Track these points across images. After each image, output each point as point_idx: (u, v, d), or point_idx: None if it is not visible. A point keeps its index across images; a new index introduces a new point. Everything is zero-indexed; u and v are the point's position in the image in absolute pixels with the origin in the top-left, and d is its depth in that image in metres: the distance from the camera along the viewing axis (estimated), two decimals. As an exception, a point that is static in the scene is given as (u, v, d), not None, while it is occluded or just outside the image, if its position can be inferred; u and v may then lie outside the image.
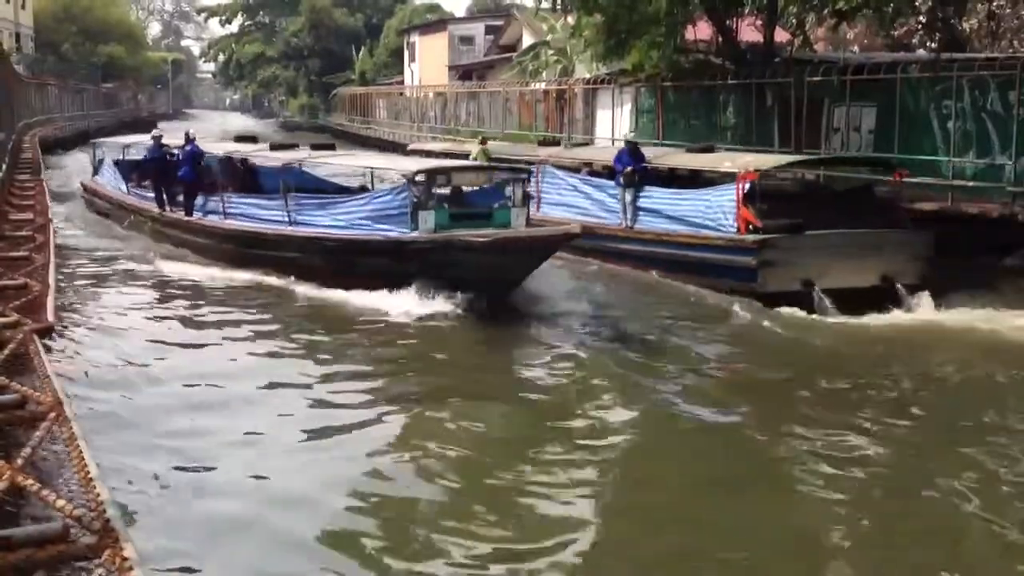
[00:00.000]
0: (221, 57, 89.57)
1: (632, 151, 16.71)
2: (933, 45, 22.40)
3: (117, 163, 22.55)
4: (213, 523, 6.95)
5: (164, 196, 18.49)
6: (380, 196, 14.45)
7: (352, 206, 14.78)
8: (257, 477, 7.89)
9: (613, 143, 25.68)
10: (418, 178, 13.58)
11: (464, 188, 15.48)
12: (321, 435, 8.91)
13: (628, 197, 16.22)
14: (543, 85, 33.53)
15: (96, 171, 24.03)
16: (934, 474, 8.08)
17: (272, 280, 14.97)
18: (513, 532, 6.99)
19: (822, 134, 19.81)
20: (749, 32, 23.25)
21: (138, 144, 21.69)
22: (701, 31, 23.86)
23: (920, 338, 12.60)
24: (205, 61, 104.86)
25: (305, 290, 14.40)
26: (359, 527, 7.14)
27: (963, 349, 12.13)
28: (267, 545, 6.72)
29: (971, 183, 16.29)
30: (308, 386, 10.38)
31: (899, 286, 13.75)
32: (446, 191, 14.60)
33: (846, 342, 12.43)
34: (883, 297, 13.53)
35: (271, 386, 10.37)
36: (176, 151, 18.45)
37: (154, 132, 21.12)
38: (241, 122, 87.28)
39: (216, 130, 55.97)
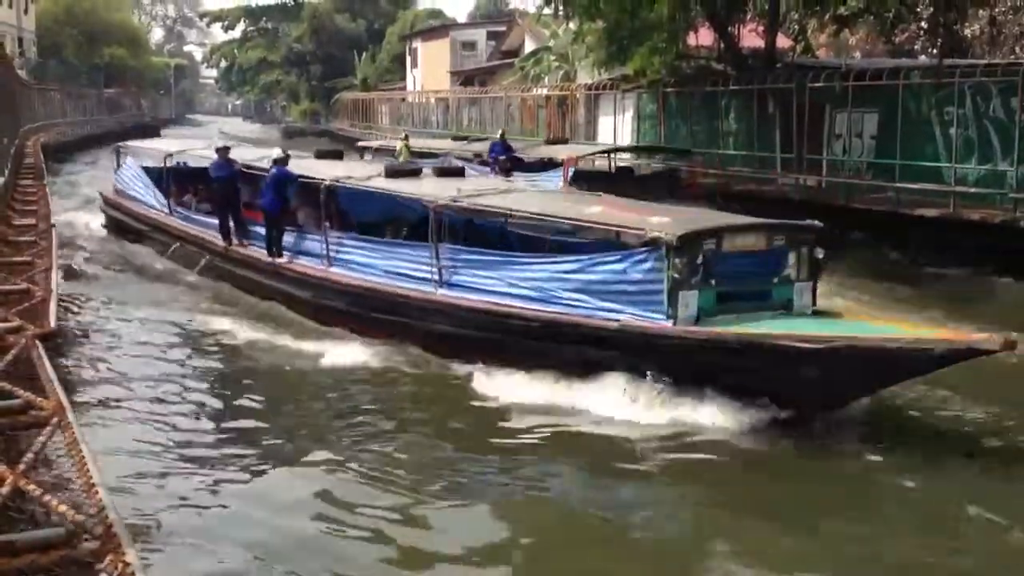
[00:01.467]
0: (224, 62, 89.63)
1: (503, 144, 21.74)
2: (935, 51, 22.40)
3: (151, 172, 18.61)
4: (214, 529, 6.96)
5: (231, 226, 14.82)
6: (606, 262, 10.25)
7: (550, 269, 10.71)
8: (262, 483, 7.91)
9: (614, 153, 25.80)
10: (679, 241, 9.42)
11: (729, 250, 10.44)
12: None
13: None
14: (545, 90, 33.57)
15: (122, 182, 19.59)
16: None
17: (409, 351, 11.42)
18: None
19: (824, 140, 19.83)
20: (751, 38, 23.28)
21: (183, 153, 18.43)
22: (703, 37, 23.90)
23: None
24: (208, 66, 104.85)
25: (457, 368, 10.92)
26: (362, 535, 7.16)
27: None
28: (268, 552, 6.73)
29: (973, 189, 16.30)
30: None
31: None
32: (701, 258, 9.88)
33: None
34: None
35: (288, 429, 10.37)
36: (254, 170, 14.82)
37: (219, 143, 16.93)
38: (243, 128, 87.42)
39: (220, 134, 56.05)
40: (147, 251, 17.51)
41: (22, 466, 4.70)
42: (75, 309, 13.50)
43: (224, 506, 7.44)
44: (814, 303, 10.25)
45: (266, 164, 14.67)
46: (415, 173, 14.35)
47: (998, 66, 17.20)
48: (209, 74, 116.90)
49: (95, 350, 11.67)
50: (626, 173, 22.70)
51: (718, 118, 22.84)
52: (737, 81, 22.10)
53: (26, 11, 55.88)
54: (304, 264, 13.43)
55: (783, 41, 24.49)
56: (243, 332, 12.49)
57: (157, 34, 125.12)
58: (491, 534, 7.21)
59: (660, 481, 8.27)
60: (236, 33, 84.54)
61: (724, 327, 9.34)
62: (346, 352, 11.42)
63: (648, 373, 9.44)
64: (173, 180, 17.83)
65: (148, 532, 6.33)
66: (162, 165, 18.09)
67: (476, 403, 9.97)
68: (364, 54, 69.12)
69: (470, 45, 54.16)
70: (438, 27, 59.68)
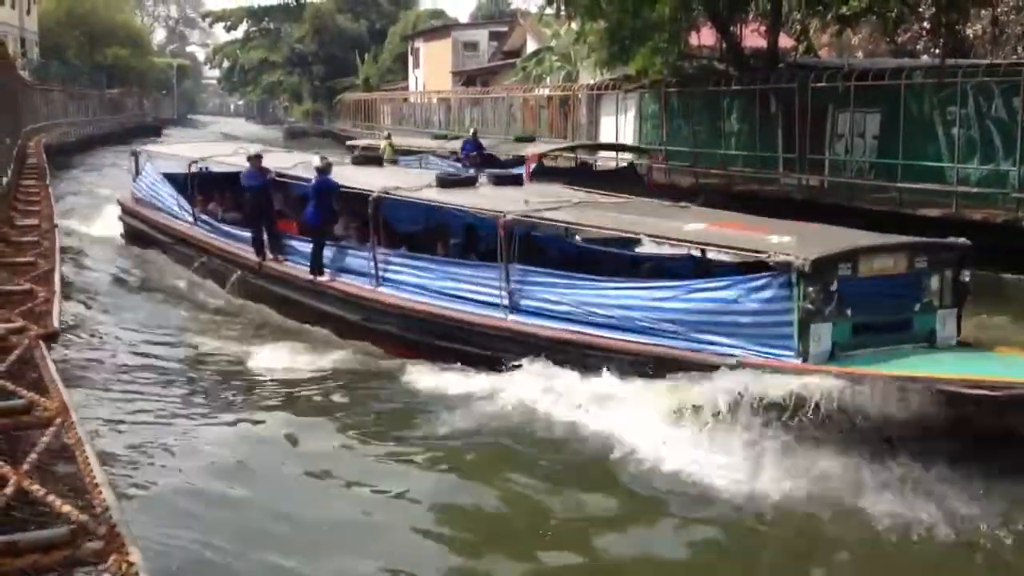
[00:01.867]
0: (226, 63, 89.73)
1: (475, 141, 22.81)
2: (937, 51, 22.38)
3: (173, 179, 17.34)
4: (219, 530, 6.97)
5: (265, 239, 13.73)
6: (711, 288, 8.98)
7: (641, 295, 9.41)
8: (267, 484, 7.91)
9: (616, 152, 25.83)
10: (812, 267, 8.14)
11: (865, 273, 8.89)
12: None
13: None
14: (547, 91, 33.57)
15: (141, 189, 18.26)
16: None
17: (472, 375, 10.08)
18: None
19: (826, 140, 19.83)
20: (753, 38, 23.28)
21: (207, 160, 17.22)
22: (705, 37, 23.89)
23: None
24: (210, 67, 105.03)
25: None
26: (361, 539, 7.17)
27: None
28: (274, 551, 6.74)
29: (975, 189, 16.30)
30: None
31: None
32: (835, 285, 8.45)
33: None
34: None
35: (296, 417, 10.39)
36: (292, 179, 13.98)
37: (252, 150, 15.52)
38: (245, 128, 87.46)
39: (222, 136, 56.01)
40: (170, 264, 16.39)
41: (25, 466, 4.71)
42: (93, 325, 13.19)
43: (229, 507, 7.45)
44: (958, 333, 8.95)
45: (300, 172, 13.94)
46: (469, 183, 13.24)
47: (1000, 66, 17.19)
48: (211, 74, 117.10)
49: (101, 354, 11.72)
50: (586, 168, 23.59)
51: (720, 118, 22.84)
52: (739, 81, 22.09)
53: (28, 12, 55.92)
54: (348, 283, 12.22)
55: (785, 41, 24.49)
56: (268, 351, 11.64)
57: (159, 34, 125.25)
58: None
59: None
60: (238, 33, 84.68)
61: (864, 365, 7.95)
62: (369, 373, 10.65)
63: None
64: (197, 188, 16.55)
65: (152, 532, 6.33)
66: (185, 171, 16.75)
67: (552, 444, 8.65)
68: (366, 54, 69.16)
69: (472, 45, 54.20)
70: (440, 27, 59.73)
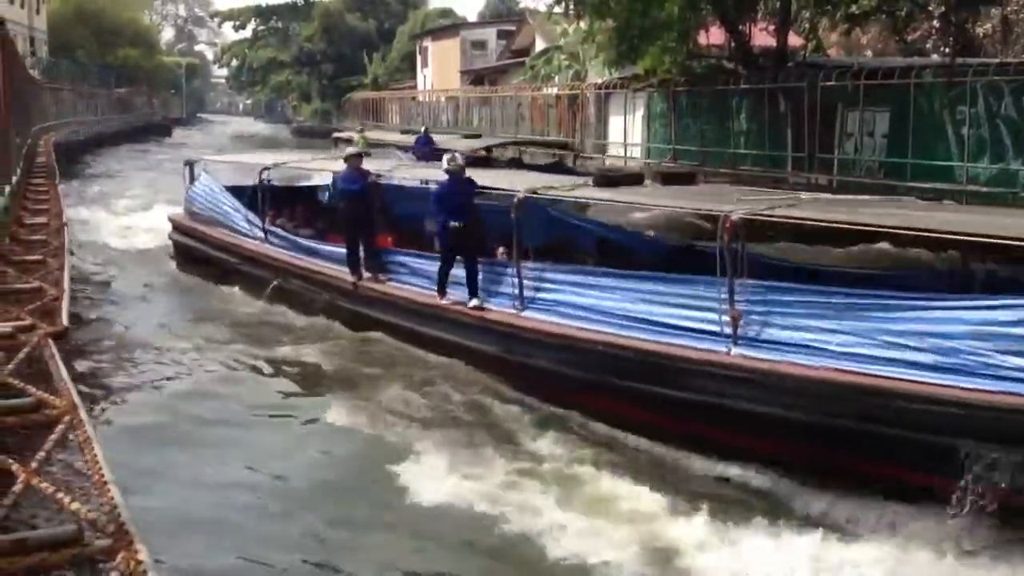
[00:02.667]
0: (234, 62, 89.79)
1: (427, 136, 25.89)
2: (947, 50, 22.30)
3: (238, 192, 15.74)
4: (226, 527, 6.97)
5: (360, 255, 12.00)
6: None
7: (963, 319, 6.92)
8: (274, 480, 7.92)
9: (626, 149, 25.81)
10: None
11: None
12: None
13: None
14: (555, 90, 33.52)
15: (197, 203, 16.22)
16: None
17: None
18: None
19: (835, 139, 19.75)
20: (762, 37, 23.21)
21: (282, 167, 15.52)
22: (714, 36, 23.83)
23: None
24: (219, 66, 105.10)
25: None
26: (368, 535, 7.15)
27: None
28: (281, 548, 6.74)
29: (984, 188, 16.23)
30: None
31: None
32: None
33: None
34: None
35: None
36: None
37: (349, 149, 13.68)
38: (253, 127, 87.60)
39: (228, 133, 56.01)
40: (232, 291, 14.63)
41: (34, 464, 4.71)
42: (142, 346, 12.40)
43: (237, 504, 7.45)
44: None
45: (403, 177, 12.96)
46: (635, 179, 11.43)
47: (1011, 65, 17.12)
48: (220, 74, 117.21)
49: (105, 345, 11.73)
50: (518, 162, 26.80)
51: (729, 117, 22.77)
52: (748, 80, 22.03)
53: (38, 11, 56.09)
54: (493, 310, 10.22)
55: (794, 40, 24.40)
56: (342, 378, 10.69)
57: (168, 33, 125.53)
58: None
59: None
60: (247, 33, 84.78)
61: None
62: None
63: None
64: (266, 200, 14.77)
65: (160, 530, 6.34)
66: (253, 183, 15.03)
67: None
68: (375, 53, 69.19)
69: (480, 44, 54.13)
70: (448, 26, 59.69)
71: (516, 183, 10.85)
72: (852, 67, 20.14)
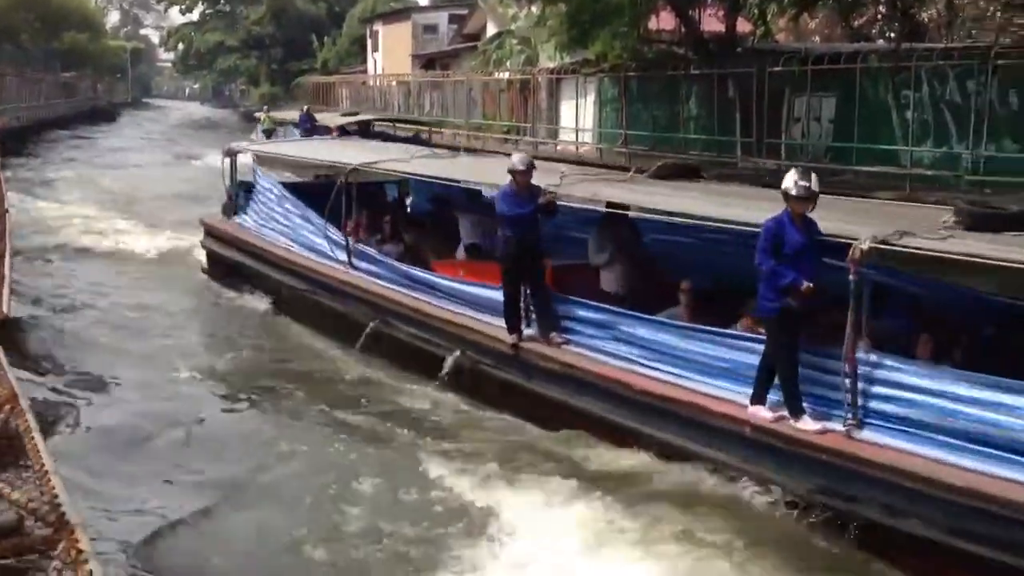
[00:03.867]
0: (181, 46, 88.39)
1: (308, 115, 31.42)
2: (892, 35, 22.57)
3: (308, 195, 12.28)
4: (168, 516, 6.91)
5: (520, 302, 8.66)
6: None
7: None
8: (216, 470, 7.85)
9: (577, 134, 25.90)
10: None
11: None
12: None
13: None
14: (507, 75, 33.46)
15: (255, 208, 13.29)
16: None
17: None
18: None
19: (783, 124, 19.94)
20: (712, 22, 23.32)
21: (369, 167, 11.48)
22: (664, 21, 23.90)
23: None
24: (165, 50, 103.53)
25: None
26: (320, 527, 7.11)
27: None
28: (221, 539, 6.69)
29: (929, 172, 16.47)
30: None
31: None
32: None
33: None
34: None
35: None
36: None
37: (514, 158, 8.87)
38: (200, 112, 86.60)
39: (176, 118, 55.21)
40: (300, 332, 11.58)
41: (-27, 453, 4.64)
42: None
43: (176, 494, 7.38)
44: None
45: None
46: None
47: (955, 50, 17.37)
48: (166, 58, 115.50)
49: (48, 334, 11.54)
50: (382, 134, 29.45)
51: (679, 103, 22.89)
52: (698, 66, 22.15)
53: (-20, -4, 54.89)
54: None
55: (743, 26, 24.56)
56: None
57: (113, 17, 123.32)
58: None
59: None
60: (194, 16, 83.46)
61: None
62: None
63: None
64: (349, 212, 11.31)
65: (102, 519, 6.27)
66: (338, 183, 11.25)
67: None
68: (325, 37, 68.57)
69: (432, 28, 53.82)
70: (399, 10, 59.23)
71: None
72: (800, 53, 20.33)
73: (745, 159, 20.34)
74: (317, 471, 7.73)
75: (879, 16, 25.75)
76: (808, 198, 6.94)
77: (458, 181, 10.37)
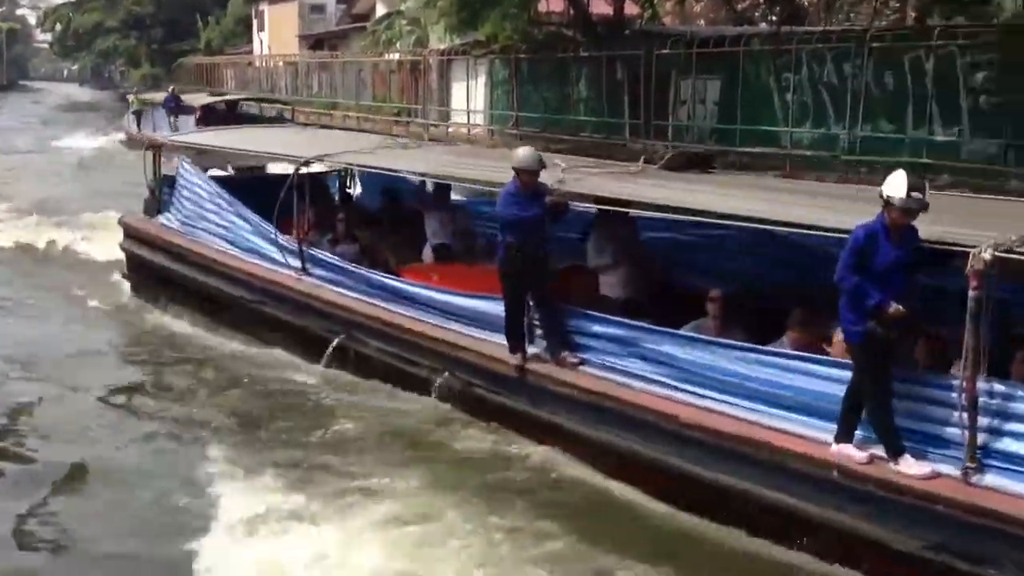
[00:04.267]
0: (58, 26, 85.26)
1: (174, 96, 32.76)
2: (774, 19, 23.19)
3: (245, 192, 11.23)
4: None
5: (523, 317, 7.67)
6: None
7: None
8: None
9: (468, 116, 25.95)
10: None
11: None
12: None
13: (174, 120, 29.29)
14: (397, 56, 33.26)
15: (181, 206, 12.00)
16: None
17: None
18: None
19: (670, 106, 20.32)
20: (600, 5, 23.60)
21: (323, 160, 10.79)
22: (554, 3, 24.08)
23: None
24: (42, 31, 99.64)
25: None
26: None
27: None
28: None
29: (808, 152, 17.02)
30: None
31: None
32: None
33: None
34: None
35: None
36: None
37: (520, 152, 8.04)
38: (78, 94, 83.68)
39: (53, 101, 53.19)
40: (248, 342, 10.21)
41: None
42: None
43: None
44: None
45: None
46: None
47: (833, 33, 17.95)
48: (43, 39, 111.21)
49: None
50: (246, 117, 31.00)
51: (570, 85, 23.11)
52: (587, 48, 22.39)
53: None
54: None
55: (631, 8, 24.92)
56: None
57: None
58: None
59: None
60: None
61: None
62: None
63: None
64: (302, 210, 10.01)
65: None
66: (290, 177, 10.03)
67: None
68: (208, 17, 66.92)
69: (319, 8, 53.12)
70: (286, -10, 58.22)
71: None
72: (686, 36, 20.73)
73: (634, 140, 20.68)
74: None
75: (761, 0, 26.42)
76: (918, 211, 5.89)
77: (466, 180, 9.34)
